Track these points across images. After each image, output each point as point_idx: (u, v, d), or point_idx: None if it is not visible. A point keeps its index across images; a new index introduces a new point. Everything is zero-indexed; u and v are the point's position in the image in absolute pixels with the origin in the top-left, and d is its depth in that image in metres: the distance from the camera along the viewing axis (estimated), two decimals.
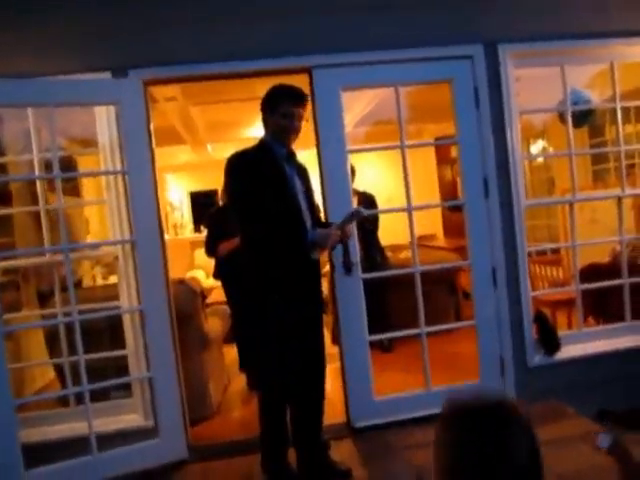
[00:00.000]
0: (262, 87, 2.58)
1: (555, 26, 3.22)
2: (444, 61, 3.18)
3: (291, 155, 2.60)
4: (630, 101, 3.81)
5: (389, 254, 5.22)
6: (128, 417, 3.04)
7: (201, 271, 7.84)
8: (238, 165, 2.51)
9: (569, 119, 3.38)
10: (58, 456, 2.75)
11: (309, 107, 3.03)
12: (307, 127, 3.22)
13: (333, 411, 3.00)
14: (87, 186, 6.01)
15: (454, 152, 9.91)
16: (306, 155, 3.25)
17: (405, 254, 5.52)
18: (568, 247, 3.89)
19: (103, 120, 2.96)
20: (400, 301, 4.49)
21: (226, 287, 4.24)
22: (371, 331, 3.20)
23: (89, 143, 4.22)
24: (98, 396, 2.94)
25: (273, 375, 2.55)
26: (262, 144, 2.58)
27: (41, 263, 3.49)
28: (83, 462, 2.74)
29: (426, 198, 7.59)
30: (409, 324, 3.34)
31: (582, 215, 4.56)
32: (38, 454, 2.75)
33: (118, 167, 2.95)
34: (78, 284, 3.26)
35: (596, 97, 4.23)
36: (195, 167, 9.15)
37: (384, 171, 8.78)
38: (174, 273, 3.18)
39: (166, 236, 3.11)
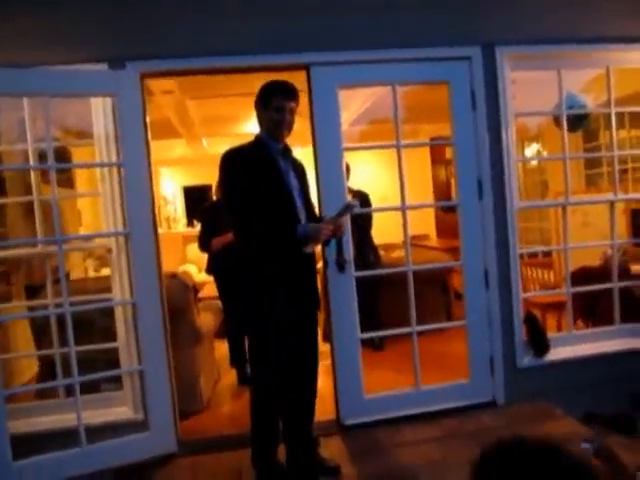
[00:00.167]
0: (259, 83, 2.58)
1: (553, 30, 3.24)
2: (442, 62, 3.19)
3: (287, 151, 2.61)
4: (624, 106, 3.84)
5: (382, 253, 5.23)
6: (118, 410, 3.03)
7: (193, 266, 7.83)
8: (232, 161, 2.51)
9: (564, 123, 3.40)
10: (47, 447, 2.74)
11: (304, 103, 3.05)
12: (303, 124, 3.24)
13: (323, 408, 3.01)
14: (81, 178, 5.98)
15: (449, 153, 9.95)
16: (302, 152, 3.25)
17: (398, 253, 5.54)
18: (560, 250, 3.92)
19: (99, 112, 2.94)
20: (391, 300, 4.51)
21: (219, 282, 4.25)
22: (362, 329, 3.21)
23: (84, 134, 4.21)
24: (88, 388, 2.93)
25: (267, 371, 2.55)
26: (257, 140, 2.59)
27: (32, 254, 3.47)
28: (72, 454, 2.74)
29: (420, 198, 7.61)
30: (400, 323, 3.35)
31: (574, 218, 4.59)
32: (26, 445, 2.74)
33: (113, 159, 2.93)
34: (66, 277, 3.24)
35: (591, 102, 4.26)
36: (189, 161, 9.12)
37: (379, 170, 8.79)
38: (166, 267, 3.17)
39: (159, 230, 3.10)
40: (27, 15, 2.83)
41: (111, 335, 3.08)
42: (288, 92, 2.51)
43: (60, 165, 3.37)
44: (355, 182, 4.62)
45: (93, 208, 6.62)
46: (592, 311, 3.99)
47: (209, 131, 7.29)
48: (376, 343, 4.68)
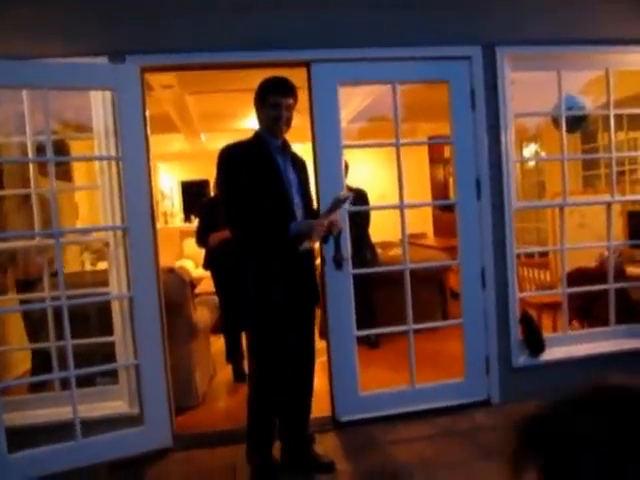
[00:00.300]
0: (259, 79, 2.58)
1: (553, 31, 3.25)
2: (442, 61, 3.20)
3: (286, 147, 2.61)
4: (623, 108, 3.85)
5: (379, 251, 5.23)
6: (113, 404, 3.03)
7: (190, 261, 7.82)
8: (229, 157, 2.52)
9: (563, 124, 3.41)
10: (42, 440, 2.74)
11: (304, 100, 3.05)
12: (302, 120, 3.24)
13: (318, 404, 3.01)
14: (79, 171, 5.97)
15: (447, 152, 9.96)
16: (301, 149, 3.25)
17: (395, 251, 5.55)
18: (557, 250, 3.93)
19: (99, 105, 2.94)
20: (387, 298, 4.52)
21: (216, 278, 4.24)
22: (358, 327, 3.22)
23: (82, 128, 4.20)
24: (83, 382, 2.93)
25: (263, 366, 2.55)
26: (255, 137, 2.60)
27: (27, 247, 3.47)
28: (67, 447, 2.74)
29: (418, 197, 7.61)
30: (395, 321, 3.37)
31: (571, 219, 4.60)
32: (22, 438, 2.74)
33: (112, 153, 2.93)
34: (56, 273, 3.26)
35: (590, 104, 4.28)
36: (187, 156, 9.10)
37: (376, 168, 8.78)
38: (163, 262, 3.17)
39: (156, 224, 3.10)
40: (27, 7, 2.83)
41: (106, 329, 3.07)
42: (284, 88, 2.51)
43: (59, 158, 3.35)
44: (353, 180, 4.62)
45: (90, 202, 6.60)
46: (588, 312, 4.01)
47: (208, 126, 7.27)
48: (372, 341, 4.68)
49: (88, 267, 6.18)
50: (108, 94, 2.90)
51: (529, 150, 7.16)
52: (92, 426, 2.82)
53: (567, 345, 3.46)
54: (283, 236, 2.42)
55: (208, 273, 4.47)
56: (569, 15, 3.25)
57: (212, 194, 4.64)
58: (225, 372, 4.34)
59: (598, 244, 4.15)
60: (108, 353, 3.05)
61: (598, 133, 5.77)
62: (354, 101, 6.20)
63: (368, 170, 8.63)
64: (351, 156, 3.08)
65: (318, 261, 3.19)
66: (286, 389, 2.58)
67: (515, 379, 3.33)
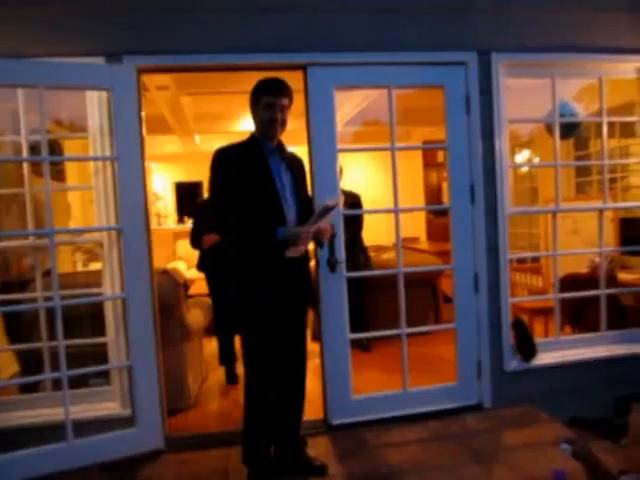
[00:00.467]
0: (255, 81, 2.58)
1: (548, 39, 3.28)
2: (438, 66, 3.22)
3: (280, 148, 2.59)
4: (615, 116, 3.89)
5: (372, 254, 5.25)
6: (106, 405, 3.02)
7: (183, 262, 7.80)
8: (221, 159, 2.51)
9: (556, 131, 3.44)
10: (32, 441, 2.72)
11: (299, 103, 3.05)
12: (297, 123, 3.25)
13: (311, 407, 3.02)
14: (71, 171, 5.94)
15: (440, 157, 10.03)
16: (296, 151, 3.25)
17: (388, 255, 5.56)
18: (549, 256, 3.96)
19: (94, 105, 2.93)
20: (379, 301, 4.53)
21: (209, 279, 4.24)
22: (350, 330, 3.22)
23: (75, 127, 4.18)
24: (75, 383, 2.91)
25: (254, 368, 2.54)
26: (250, 138, 2.59)
27: (14, 248, 3.44)
28: (58, 448, 2.72)
29: (412, 201, 7.67)
30: (387, 325, 3.37)
31: (564, 226, 4.64)
32: (12, 439, 2.73)
33: (107, 153, 2.92)
34: (48, 273, 3.25)
35: (582, 111, 4.32)
36: (181, 158, 9.10)
37: (369, 171, 8.83)
38: (156, 263, 3.16)
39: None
40: (24, 6, 2.82)
41: (98, 329, 3.06)
42: (278, 89, 2.49)
43: (54, 158, 3.34)
44: (346, 183, 4.64)
45: (83, 202, 6.58)
46: (579, 317, 4.04)
47: (202, 128, 7.27)
48: (364, 344, 4.69)
49: (80, 268, 6.16)
50: (104, 94, 2.89)
51: (522, 156, 7.21)
52: (84, 427, 2.80)
53: (559, 350, 3.48)
54: (268, 240, 2.40)
55: (201, 274, 4.47)
56: (564, 23, 3.28)
57: (206, 196, 4.64)
58: (217, 374, 4.34)
59: (590, 250, 4.18)
60: (100, 354, 3.04)
61: (590, 140, 5.82)
62: (349, 105, 6.23)
63: (361, 173, 8.67)
64: (344, 159, 3.09)
65: (313, 262, 3.20)
66: (277, 391, 2.57)
67: (507, 383, 3.34)
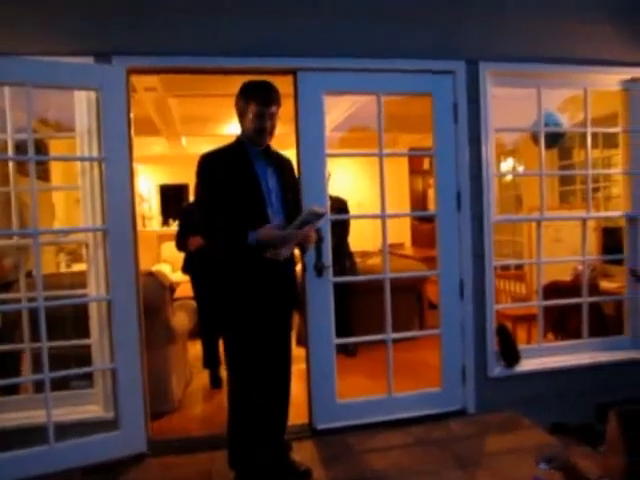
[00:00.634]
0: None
1: (535, 50, 3.33)
2: (426, 74, 3.25)
3: (267, 152, 2.56)
4: (599, 127, 3.96)
5: (357, 260, 5.26)
6: (88, 408, 2.99)
7: (167, 265, 7.74)
8: (205, 164, 2.48)
9: (542, 140, 3.49)
10: (13, 444, 2.68)
11: (289, 108, 3.06)
12: (288, 128, 3.25)
13: (296, 412, 3.01)
14: (56, 171, 5.88)
15: (426, 164, 10.10)
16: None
17: (373, 260, 5.58)
18: (533, 264, 4.00)
19: (83, 105, 2.91)
20: (364, 307, 4.55)
21: (194, 282, 4.22)
22: (335, 335, 3.22)
23: (61, 127, 4.13)
24: (57, 385, 2.87)
25: (236, 371, 2.53)
26: (236, 142, 2.57)
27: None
28: (39, 451, 2.68)
29: (397, 207, 7.67)
30: (372, 330, 3.38)
31: (547, 234, 4.70)
32: None
33: (94, 153, 2.90)
34: (29, 274, 3.22)
35: (566, 121, 4.39)
36: (167, 160, 9.05)
37: (354, 177, 8.84)
38: (141, 265, 3.14)
39: None
40: (13, 5, 2.80)
41: (80, 331, 3.03)
42: (267, 98, 2.44)
43: (40, 157, 3.31)
44: (332, 188, 4.64)
45: (67, 202, 6.50)
46: (562, 324, 4.09)
47: (189, 130, 7.25)
48: (349, 349, 4.70)
49: (63, 268, 6.09)
50: (92, 94, 2.87)
51: (506, 164, 7.29)
52: (66, 430, 2.77)
53: (542, 357, 3.53)
54: (239, 244, 2.37)
55: (186, 277, 4.45)
56: (550, 35, 3.34)
57: (192, 199, 4.63)
58: (201, 377, 4.31)
59: (573, 258, 4.24)
60: (82, 356, 3.01)
61: (574, 150, 5.91)
62: (337, 110, 6.26)
63: (346, 178, 8.68)
64: (330, 164, 3.10)
65: (299, 267, 3.21)
66: (261, 394, 2.56)
67: (490, 389, 3.37)
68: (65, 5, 2.85)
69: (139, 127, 3.08)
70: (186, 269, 4.28)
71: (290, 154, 3.13)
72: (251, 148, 2.52)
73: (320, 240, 2.88)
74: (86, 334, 3.01)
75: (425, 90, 3.29)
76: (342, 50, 3.12)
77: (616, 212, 3.95)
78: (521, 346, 3.56)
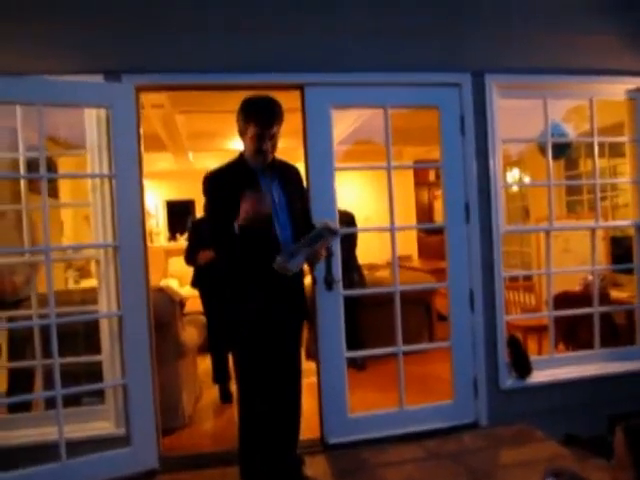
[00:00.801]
0: None
1: (540, 61, 3.35)
2: (433, 87, 3.27)
3: (272, 166, 2.51)
4: (605, 136, 3.96)
5: (365, 272, 5.25)
6: (99, 424, 2.98)
7: (175, 280, 7.76)
8: (210, 183, 2.47)
9: (549, 151, 3.49)
10: (23, 462, 2.68)
11: (296, 122, 3.08)
12: (296, 142, 3.28)
13: (307, 426, 2.99)
14: (64, 188, 5.93)
15: (432, 175, 10.12)
16: None
17: (381, 273, 5.58)
18: (543, 274, 3.99)
19: (92, 123, 2.94)
20: (373, 320, 4.54)
21: (203, 297, 4.23)
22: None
23: (70, 144, 4.18)
24: (68, 402, 2.87)
25: (245, 386, 2.51)
26: (239, 158, 2.54)
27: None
28: (51, 469, 2.69)
29: (403, 219, 7.67)
30: (380, 343, 3.38)
31: (556, 244, 4.69)
32: (2, 459, 2.68)
33: (104, 170, 2.93)
34: (28, 298, 3.25)
35: (571, 131, 4.40)
36: (174, 175, 9.08)
37: (361, 190, 8.84)
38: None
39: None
40: (24, 24, 2.84)
41: (90, 347, 3.04)
42: (267, 120, 2.37)
43: (52, 175, 3.34)
44: (339, 202, 4.65)
45: (75, 218, 6.55)
46: (573, 335, 4.07)
47: (196, 146, 7.29)
48: (358, 363, 4.67)
49: (72, 285, 6.11)
50: (102, 112, 2.91)
51: (512, 175, 7.30)
52: (77, 447, 2.77)
53: (553, 368, 3.50)
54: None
55: (194, 292, 4.46)
56: (556, 46, 3.36)
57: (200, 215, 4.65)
58: (211, 393, 4.30)
59: (583, 268, 4.22)
60: (93, 372, 3.01)
61: (580, 160, 5.92)
62: (342, 124, 6.28)
63: (352, 192, 8.69)
64: (337, 178, 3.11)
65: (308, 280, 3.21)
66: (271, 408, 2.53)
67: (502, 402, 3.35)
68: (75, 24, 2.89)
69: (146, 143, 3.11)
70: (195, 283, 4.29)
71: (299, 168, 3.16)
72: (254, 165, 2.48)
73: (330, 254, 2.87)
74: (96, 350, 3.02)
75: (432, 103, 3.31)
76: (349, 64, 3.15)
77: (625, 221, 3.94)
78: (532, 357, 3.54)
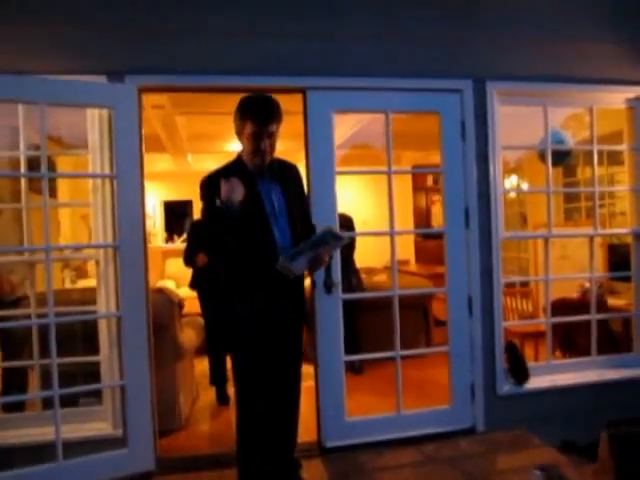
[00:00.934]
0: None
1: (541, 69, 3.38)
2: (434, 93, 3.29)
3: (270, 167, 2.44)
4: (603, 145, 3.98)
5: (363, 276, 5.26)
6: (96, 425, 2.97)
7: (172, 281, 7.75)
8: (207, 187, 2.41)
9: (549, 158, 3.51)
10: (19, 462, 2.67)
11: (298, 125, 3.08)
12: (297, 144, 3.28)
13: (304, 429, 2.98)
14: (62, 187, 5.92)
15: (429, 180, 10.15)
16: None
17: (379, 277, 5.58)
18: (541, 281, 4.01)
19: (94, 123, 2.94)
20: (370, 324, 4.55)
21: (202, 298, 4.23)
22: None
23: (68, 144, 4.18)
24: (67, 402, 2.86)
25: (243, 389, 2.50)
26: (236, 161, 2.49)
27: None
28: (47, 469, 2.68)
29: (401, 224, 7.69)
30: (377, 347, 3.38)
31: (553, 251, 4.71)
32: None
33: (105, 170, 2.93)
34: (25, 297, 3.24)
35: (569, 138, 4.42)
36: (171, 176, 9.08)
37: (358, 194, 8.86)
38: None
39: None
40: (28, 24, 2.84)
41: (86, 348, 3.04)
42: (264, 117, 2.30)
43: (53, 174, 3.33)
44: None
45: (72, 218, 6.54)
46: (569, 342, 4.08)
47: (196, 147, 7.29)
48: (356, 367, 4.68)
49: (68, 285, 6.10)
50: (104, 112, 2.91)
51: (510, 181, 7.33)
52: (73, 447, 2.75)
53: (551, 374, 3.51)
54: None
55: (191, 294, 4.46)
56: (557, 54, 3.38)
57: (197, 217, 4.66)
58: (208, 394, 4.29)
59: (581, 275, 4.24)
60: (90, 373, 3.00)
61: (578, 167, 5.95)
62: (341, 128, 6.30)
63: (349, 196, 8.70)
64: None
65: (307, 282, 3.21)
66: (269, 412, 2.50)
67: (500, 407, 3.35)
68: (78, 25, 2.90)
69: (145, 144, 3.11)
70: (194, 285, 4.29)
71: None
72: (251, 167, 2.42)
73: (329, 257, 2.87)
74: (94, 351, 3.01)
75: (433, 108, 3.32)
76: (351, 69, 3.16)
77: (623, 229, 3.96)
78: (529, 363, 3.55)
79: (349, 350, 3.36)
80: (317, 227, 2.62)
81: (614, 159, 5.19)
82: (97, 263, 2.99)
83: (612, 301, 4.23)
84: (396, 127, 3.34)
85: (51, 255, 2.81)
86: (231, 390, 3.58)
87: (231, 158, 2.55)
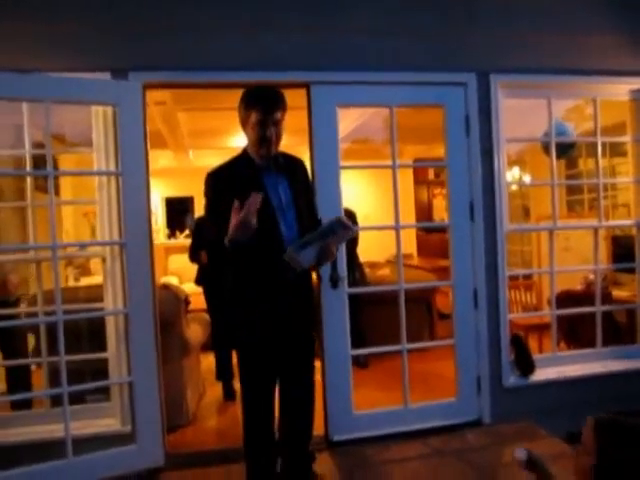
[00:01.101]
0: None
1: (544, 61, 3.37)
2: (439, 86, 3.28)
3: (276, 161, 2.40)
4: (606, 136, 3.98)
5: (367, 270, 5.27)
6: (105, 421, 2.99)
7: (175, 277, 7.76)
8: (211, 182, 2.38)
9: (553, 150, 3.51)
10: (29, 459, 2.68)
11: (302, 119, 3.07)
12: (301, 139, 3.28)
13: None
14: (64, 185, 5.92)
15: (431, 174, 10.15)
16: None
17: (382, 271, 5.59)
18: (545, 273, 4.01)
19: (99, 120, 2.94)
20: (374, 318, 4.55)
21: (207, 295, 4.24)
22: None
23: (70, 142, 4.19)
24: (74, 399, 2.87)
25: (246, 387, 2.47)
26: (242, 155, 2.45)
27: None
28: (57, 466, 2.69)
29: (403, 217, 7.70)
30: (382, 341, 3.38)
31: (556, 243, 4.72)
32: (8, 456, 2.69)
33: (111, 168, 2.93)
34: (24, 296, 3.25)
35: (571, 130, 4.41)
36: (173, 172, 9.06)
37: (360, 188, 8.85)
38: None
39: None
40: (31, 22, 2.84)
41: (93, 345, 3.05)
42: (269, 104, 2.26)
43: (59, 172, 3.33)
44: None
45: (75, 216, 6.55)
46: (574, 334, 4.09)
47: (197, 143, 7.28)
48: (361, 361, 4.69)
49: (72, 282, 6.11)
50: (108, 109, 2.90)
51: (512, 174, 7.32)
52: (82, 444, 2.77)
53: (556, 366, 3.53)
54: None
55: (196, 289, 4.47)
56: (560, 46, 3.38)
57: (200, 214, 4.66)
58: (215, 390, 4.30)
59: (586, 267, 4.24)
60: (97, 370, 3.01)
61: (580, 159, 5.94)
62: (343, 123, 6.29)
63: (351, 190, 8.69)
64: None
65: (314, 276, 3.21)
66: (272, 413, 2.45)
67: (506, 399, 3.37)
68: (82, 22, 2.89)
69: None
70: (200, 281, 4.30)
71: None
72: (257, 161, 2.39)
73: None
74: (101, 348, 3.02)
75: (437, 102, 3.32)
76: (355, 63, 3.16)
77: (628, 221, 3.96)
78: (535, 355, 3.56)
79: (353, 344, 3.37)
80: (323, 221, 2.60)
81: (615, 150, 5.18)
82: (103, 260, 2.99)
83: (616, 292, 4.24)
84: (397, 120, 3.33)
85: (57, 253, 2.82)
86: (237, 385, 3.58)
87: (236, 153, 2.50)
